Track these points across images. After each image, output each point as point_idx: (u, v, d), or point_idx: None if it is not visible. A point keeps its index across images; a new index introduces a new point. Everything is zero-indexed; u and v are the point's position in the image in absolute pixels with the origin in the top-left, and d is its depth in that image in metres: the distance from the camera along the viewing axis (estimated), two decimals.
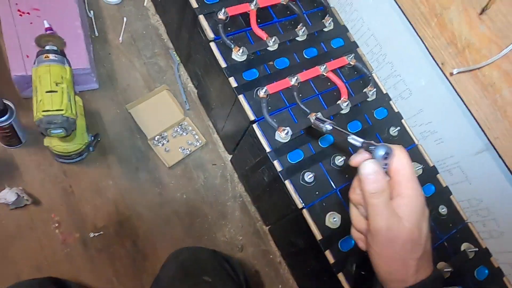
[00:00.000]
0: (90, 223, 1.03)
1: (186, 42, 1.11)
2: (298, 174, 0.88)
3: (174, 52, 1.28)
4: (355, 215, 0.48)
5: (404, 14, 0.87)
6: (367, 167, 0.42)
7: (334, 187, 0.89)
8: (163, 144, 1.16)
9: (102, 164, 1.10)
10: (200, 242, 1.09)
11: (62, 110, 0.81)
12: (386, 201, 0.42)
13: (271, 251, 1.14)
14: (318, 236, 0.84)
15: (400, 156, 0.43)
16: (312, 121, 0.55)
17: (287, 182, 0.87)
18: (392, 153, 0.42)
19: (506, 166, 0.78)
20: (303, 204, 0.85)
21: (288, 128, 0.88)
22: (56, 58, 0.84)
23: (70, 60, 0.90)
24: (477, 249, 0.92)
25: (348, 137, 0.48)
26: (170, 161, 1.14)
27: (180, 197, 1.13)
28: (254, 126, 0.89)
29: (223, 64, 0.93)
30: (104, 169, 1.09)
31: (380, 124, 0.98)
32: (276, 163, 0.87)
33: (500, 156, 0.79)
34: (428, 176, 0.97)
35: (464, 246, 0.93)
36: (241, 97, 0.91)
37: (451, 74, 0.77)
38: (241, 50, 0.92)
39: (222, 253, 0.96)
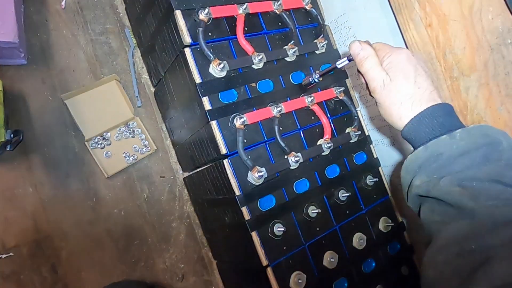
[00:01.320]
0: None
1: (151, 32, 0.90)
2: (267, 225, 0.76)
3: (131, 33, 1.05)
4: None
5: None
6: (353, 44, 0.58)
7: (304, 242, 0.79)
8: (103, 147, 0.96)
9: (21, 165, 0.87)
10: (135, 269, 0.94)
11: None
12: (376, 63, 0.55)
13: (214, 282, 1.03)
14: None
15: (377, 42, 0.59)
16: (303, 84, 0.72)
17: (253, 234, 0.75)
18: (369, 42, 0.58)
19: None
20: (268, 262, 0.74)
21: (264, 169, 0.75)
22: None
23: None
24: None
25: (337, 65, 0.64)
26: (109, 169, 0.95)
27: (118, 214, 0.95)
28: (225, 162, 0.75)
29: (197, 79, 0.76)
30: (23, 172, 0.87)
31: (358, 171, 0.90)
32: (244, 210, 0.75)
33: None
34: (394, 234, 0.92)
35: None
36: (214, 124, 0.75)
37: None
38: (221, 65, 0.76)
39: None
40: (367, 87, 0.58)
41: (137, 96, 1.03)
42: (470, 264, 0.42)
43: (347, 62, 0.62)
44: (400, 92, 0.53)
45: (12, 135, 0.80)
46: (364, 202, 0.89)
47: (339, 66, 0.63)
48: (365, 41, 0.58)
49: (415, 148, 0.52)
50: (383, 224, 0.90)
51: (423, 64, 0.55)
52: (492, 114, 0.67)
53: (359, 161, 0.91)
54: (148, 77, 1.05)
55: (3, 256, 0.81)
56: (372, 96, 0.58)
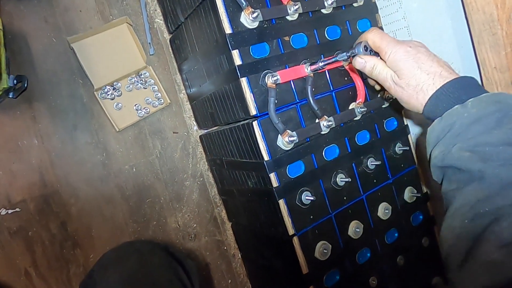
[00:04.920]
0: (2, 196, 0.76)
1: None
2: (295, 193, 0.72)
3: None
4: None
5: (468, 25, 0.69)
6: (356, 61, 0.64)
7: (330, 211, 0.76)
8: (113, 98, 0.88)
9: (25, 114, 0.80)
10: (147, 228, 0.90)
11: None
12: (382, 67, 0.61)
13: (225, 242, 1.01)
14: (304, 269, 0.72)
15: (372, 35, 0.63)
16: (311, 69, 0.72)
17: (281, 202, 0.70)
18: (367, 42, 0.63)
19: None
20: (295, 231, 0.71)
21: (295, 134, 0.69)
22: None
23: None
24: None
25: (337, 57, 0.68)
26: (120, 122, 0.88)
27: (129, 170, 0.90)
28: (254, 124, 0.69)
29: (228, 29, 0.67)
30: (28, 122, 0.80)
31: (388, 138, 0.85)
32: (273, 176, 0.70)
33: None
34: (418, 204, 0.88)
35: None
36: (244, 81, 0.68)
37: None
38: (255, 14, 0.67)
39: (175, 253, 0.80)
40: (381, 88, 0.67)
41: (149, 43, 0.93)
42: (482, 224, 0.44)
43: (346, 57, 0.67)
44: (411, 85, 0.56)
45: (15, 81, 0.72)
46: (392, 171, 0.85)
47: (339, 59, 0.68)
48: (363, 45, 0.64)
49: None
50: (408, 194, 0.86)
51: (423, 50, 0.58)
52: None
53: (389, 127, 0.85)
54: (162, 21, 0.95)
55: (10, 211, 0.76)
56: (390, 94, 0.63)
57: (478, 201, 0.46)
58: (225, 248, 1.00)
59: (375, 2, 0.86)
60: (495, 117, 0.48)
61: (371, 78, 0.67)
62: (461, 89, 0.52)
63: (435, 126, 0.53)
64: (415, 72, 0.56)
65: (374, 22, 0.85)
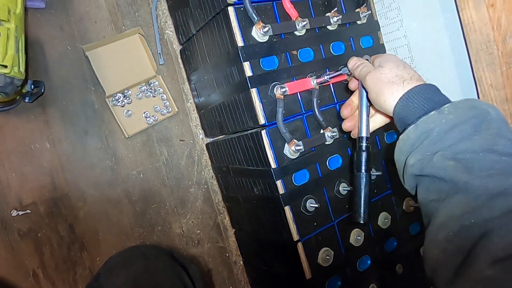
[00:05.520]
0: (13, 197, 0.78)
1: None
2: (299, 200, 0.75)
3: None
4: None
5: (466, 45, 0.73)
6: (351, 60, 0.67)
7: (333, 219, 0.78)
8: (124, 105, 0.91)
9: (38, 119, 0.82)
10: (152, 233, 0.92)
11: (5, 66, 0.53)
12: (369, 65, 0.62)
13: (228, 249, 1.02)
14: (308, 275, 0.74)
15: (375, 54, 0.65)
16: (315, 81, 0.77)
17: (286, 209, 0.73)
18: (370, 58, 0.66)
19: None
20: (299, 237, 0.74)
21: (301, 143, 0.73)
22: None
23: None
24: None
25: (341, 71, 0.71)
26: (130, 129, 0.91)
27: (136, 176, 0.92)
28: (263, 132, 0.72)
29: (240, 42, 0.71)
30: (41, 126, 0.82)
31: (388, 150, 0.88)
32: (279, 184, 0.73)
33: None
34: (416, 214, 0.92)
35: None
36: (253, 92, 0.71)
37: None
38: (266, 29, 0.71)
39: (180, 258, 0.81)
40: (367, 94, 0.62)
41: (159, 53, 0.97)
42: (470, 238, 0.42)
43: (349, 71, 0.69)
44: (390, 73, 0.56)
45: (32, 86, 0.74)
46: (392, 182, 0.88)
47: (343, 72, 0.71)
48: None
49: (405, 129, 0.52)
50: (407, 204, 0.89)
51: (407, 64, 0.59)
52: None
53: (389, 140, 0.89)
54: (171, 33, 0.98)
55: (21, 213, 0.78)
56: (367, 94, 0.61)
57: (465, 213, 0.44)
58: (227, 254, 1.02)
59: (377, 21, 0.90)
60: (472, 123, 0.47)
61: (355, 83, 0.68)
62: (432, 93, 0.52)
63: (410, 133, 0.50)
64: (398, 66, 0.57)
65: (376, 39, 0.90)
